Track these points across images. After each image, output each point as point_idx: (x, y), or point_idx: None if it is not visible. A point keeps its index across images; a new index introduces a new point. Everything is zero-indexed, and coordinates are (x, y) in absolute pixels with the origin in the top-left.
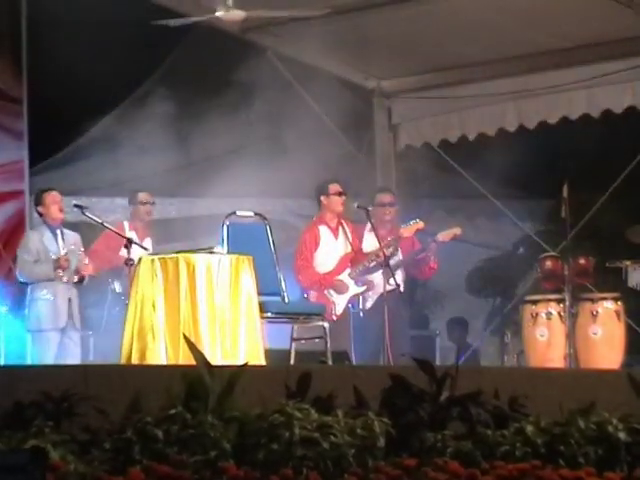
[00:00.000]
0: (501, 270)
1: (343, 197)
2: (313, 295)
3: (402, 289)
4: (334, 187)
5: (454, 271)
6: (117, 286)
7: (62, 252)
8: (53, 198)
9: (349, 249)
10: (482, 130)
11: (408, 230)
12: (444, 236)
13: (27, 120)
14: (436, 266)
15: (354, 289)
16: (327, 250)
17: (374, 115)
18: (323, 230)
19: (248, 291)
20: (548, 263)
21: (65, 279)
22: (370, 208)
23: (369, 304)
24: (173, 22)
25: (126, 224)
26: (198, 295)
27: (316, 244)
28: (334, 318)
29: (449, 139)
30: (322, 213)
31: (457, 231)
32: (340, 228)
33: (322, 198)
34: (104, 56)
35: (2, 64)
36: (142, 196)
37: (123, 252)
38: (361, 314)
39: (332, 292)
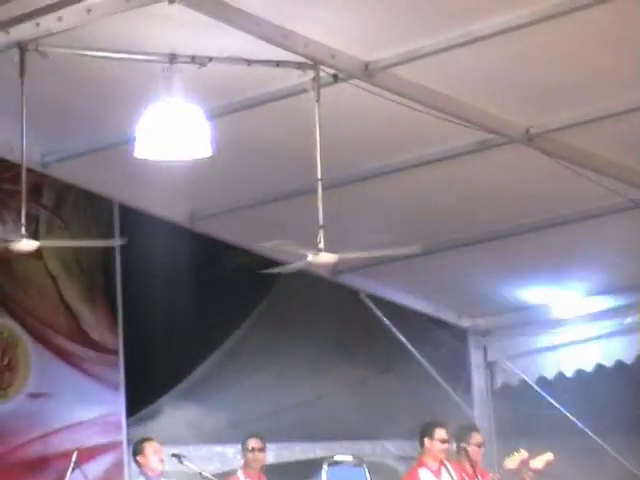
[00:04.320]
0: None
1: (447, 444)
2: None
3: None
4: (440, 432)
5: None
6: None
7: None
8: (153, 448)
9: None
10: (579, 366)
11: (513, 461)
12: (537, 463)
13: (123, 371)
14: None
15: None
16: None
17: (470, 353)
18: (424, 474)
19: None
20: None
21: None
22: (465, 446)
23: None
24: (266, 271)
25: (240, 473)
26: None
27: None
28: None
29: (546, 376)
30: (424, 455)
31: (549, 457)
32: (443, 468)
33: (426, 440)
34: (198, 303)
35: (98, 317)
36: (250, 442)
37: None
38: None
39: None
